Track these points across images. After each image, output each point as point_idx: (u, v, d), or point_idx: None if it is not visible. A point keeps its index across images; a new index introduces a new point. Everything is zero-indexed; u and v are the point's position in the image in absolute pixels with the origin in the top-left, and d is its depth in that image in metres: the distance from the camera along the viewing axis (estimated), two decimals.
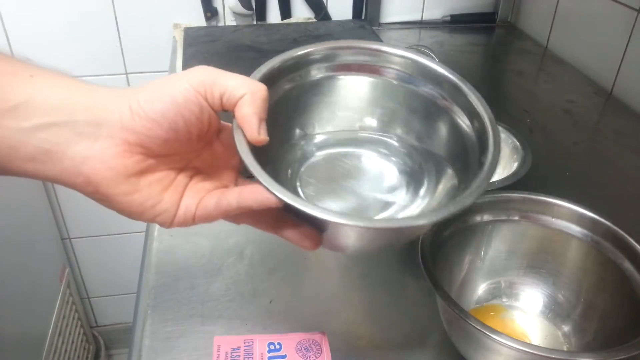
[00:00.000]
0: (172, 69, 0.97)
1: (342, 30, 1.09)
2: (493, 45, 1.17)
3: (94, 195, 0.33)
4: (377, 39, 1.06)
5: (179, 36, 1.05)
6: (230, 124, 0.35)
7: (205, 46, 0.95)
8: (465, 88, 0.37)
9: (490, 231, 0.49)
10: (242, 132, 0.33)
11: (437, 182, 0.39)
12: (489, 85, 0.99)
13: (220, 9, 1.16)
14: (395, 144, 0.42)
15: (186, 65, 0.91)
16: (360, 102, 0.41)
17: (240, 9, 1.15)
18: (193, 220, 0.35)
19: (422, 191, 0.39)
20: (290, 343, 0.45)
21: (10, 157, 0.31)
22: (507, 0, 1.20)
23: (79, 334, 1.36)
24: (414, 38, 1.15)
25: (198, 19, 1.15)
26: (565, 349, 0.46)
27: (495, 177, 0.61)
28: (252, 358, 0.43)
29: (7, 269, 1.02)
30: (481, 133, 0.36)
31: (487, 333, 0.37)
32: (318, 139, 0.41)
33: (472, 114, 0.37)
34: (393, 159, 0.41)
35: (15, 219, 1.09)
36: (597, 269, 0.46)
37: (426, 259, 0.41)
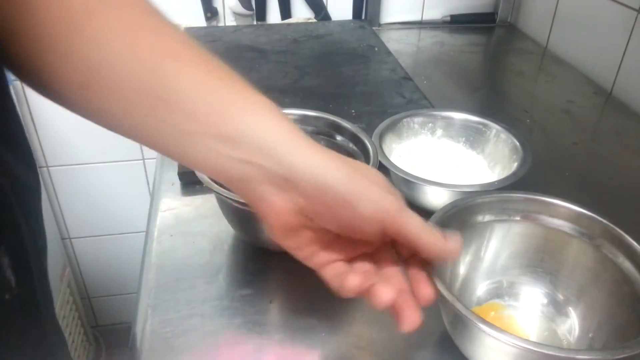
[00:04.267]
0: None
1: (342, 31, 1.09)
2: (493, 46, 1.17)
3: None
4: (377, 39, 1.06)
5: None
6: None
7: (205, 46, 0.95)
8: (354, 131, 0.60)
9: (490, 231, 0.49)
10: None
11: None
12: (488, 86, 0.99)
13: (220, 9, 1.16)
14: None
15: None
16: None
17: (240, 9, 1.15)
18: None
19: None
20: None
21: (213, 176, 0.37)
22: (507, 1, 1.20)
23: (79, 333, 1.36)
24: (414, 38, 1.15)
25: (198, 19, 1.15)
26: (564, 345, 0.46)
27: (495, 177, 0.61)
28: None
29: None
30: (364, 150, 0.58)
31: (491, 331, 0.37)
32: None
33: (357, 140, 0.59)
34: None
35: None
36: (596, 268, 0.46)
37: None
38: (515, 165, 0.59)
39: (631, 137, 0.80)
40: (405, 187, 0.61)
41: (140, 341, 0.46)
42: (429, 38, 1.15)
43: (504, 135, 0.63)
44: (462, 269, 0.49)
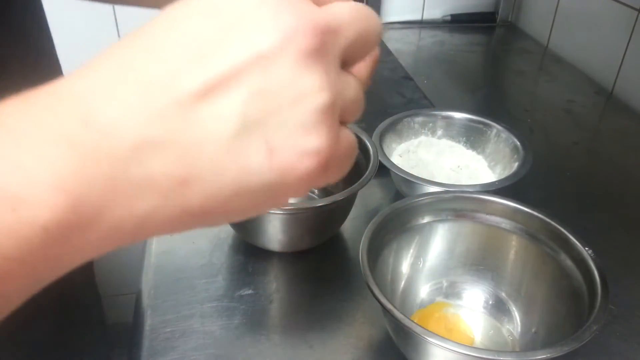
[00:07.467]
0: None
1: None
2: (493, 45, 1.17)
3: None
4: None
5: None
6: None
7: None
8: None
9: (427, 233, 0.49)
10: None
11: None
12: (489, 85, 0.99)
13: None
14: None
15: None
16: None
17: None
18: None
19: None
20: None
21: None
22: (508, 0, 1.19)
23: None
24: (414, 38, 1.15)
25: None
26: (509, 342, 0.46)
27: (496, 177, 0.61)
28: None
29: None
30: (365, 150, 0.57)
31: (430, 339, 0.36)
32: None
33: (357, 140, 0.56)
34: None
35: None
36: (535, 263, 0.46)
37: (366, 268, 0.40)
38: (515, 165, 0.59)
39: (632, 136, 0.80)
40: (405, 187, 0.60)
41: (140, 341, 0.46)
42: (429, 37, 1.15)
43: (505, 135, 0.63)
44: (403, 273, 0.49)
